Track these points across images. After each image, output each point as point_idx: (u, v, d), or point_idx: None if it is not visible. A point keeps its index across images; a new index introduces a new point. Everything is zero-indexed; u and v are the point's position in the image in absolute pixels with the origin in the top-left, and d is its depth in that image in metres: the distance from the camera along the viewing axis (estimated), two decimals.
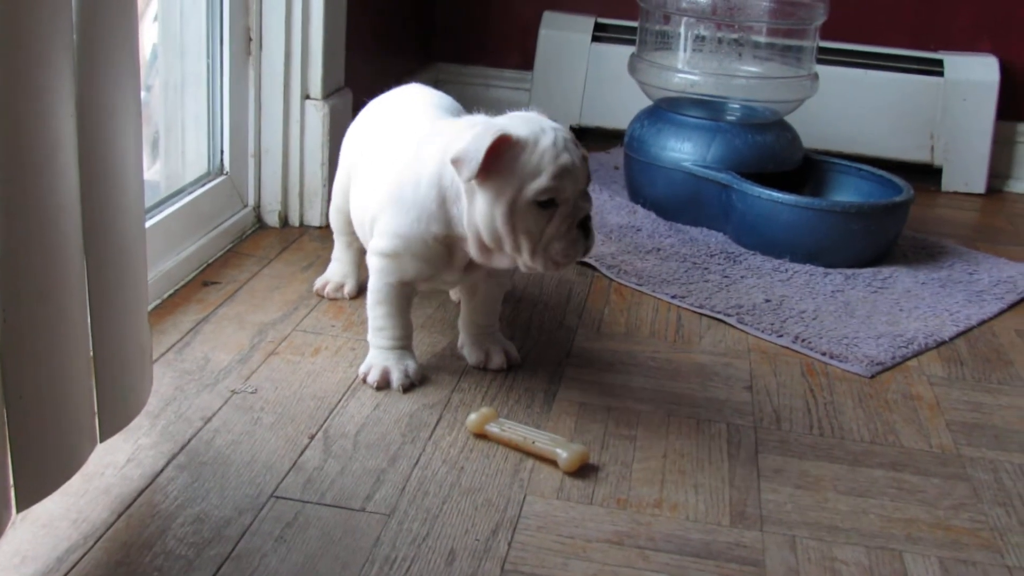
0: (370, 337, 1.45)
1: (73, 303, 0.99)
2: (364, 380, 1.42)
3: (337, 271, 1.67)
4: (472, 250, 1.35)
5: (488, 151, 1.26)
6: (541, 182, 1.29)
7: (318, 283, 1.67)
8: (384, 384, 1.41)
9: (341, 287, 1.66)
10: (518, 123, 1.33)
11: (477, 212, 1.31)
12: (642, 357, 1.55)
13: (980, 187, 2.54)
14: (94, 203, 1.01)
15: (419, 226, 1.36)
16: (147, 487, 1.15)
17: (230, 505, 1.13)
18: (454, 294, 1.66)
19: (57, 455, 0.99)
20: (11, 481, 0.93)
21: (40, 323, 0.94)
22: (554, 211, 1.30)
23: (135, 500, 1.13)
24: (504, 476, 1.23)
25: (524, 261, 1.32)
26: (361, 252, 1.60)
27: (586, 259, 1.68)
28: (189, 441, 1.24)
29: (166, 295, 1.61)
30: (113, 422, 1.10)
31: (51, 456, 0.98)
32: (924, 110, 2.51)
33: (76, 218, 0.98)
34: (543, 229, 1.30)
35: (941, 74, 2.51)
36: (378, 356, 1.44)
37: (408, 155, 1.38)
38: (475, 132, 1.29)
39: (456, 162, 1.28)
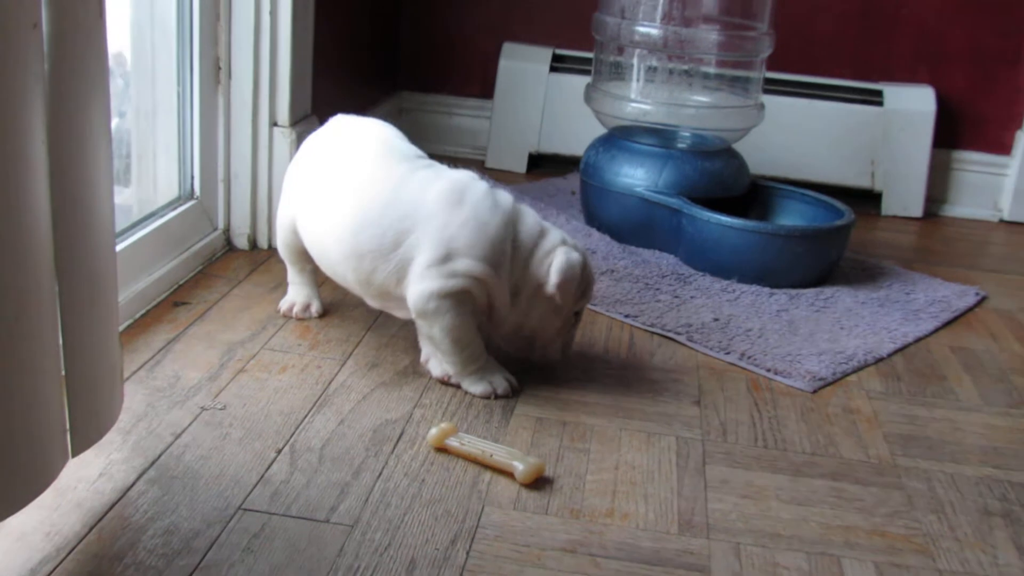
0: (460, 370, 1.46)
1: (44, 323, 0.98)
2: (495, 396, 1.45)
3: (300, 293, 1.66)
4: (501, 330, 1.49)
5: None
6: (587, 299, 1.50)
7: (283, 305, 1.66)
8: (507, 394, 1.45)
9: (308, 307, 1.66)
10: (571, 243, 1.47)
11: (535, 316, 1.46)
12: (596, 373, 1.56)
13: (918, 211, 2.57)
14: (65, 227, 1.00)
15: (498, 258, 1.41)
16: (118, 500, 1.15)
17: (199, 517, 1.13)
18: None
19: (30, 470, 0.98)
20: None
21: (12, 342, 0.93)
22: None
23: (107, 513, 1.12)
24: (463, 488, 1.23)
25: (545, 353, 1.51)
26: (316, 272, 1.61)
27: None
28: (160, 456, 1.24)
29: (138, 315, 1.60)
30: (85, 438, 1.10)
31: (23, 471, 0.97)
32: (865, 138, 2.54)
33: (48, 242, 0.98)
34: (569, 331, 1.50)
35: (881, 104, 2.54)
36: (481, 381, 1.46)
37: (475, 194, 1.42)
38: (571, 259, 1.41)
39: (563, 286, 1.41)
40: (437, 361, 1.48)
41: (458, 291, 1.39)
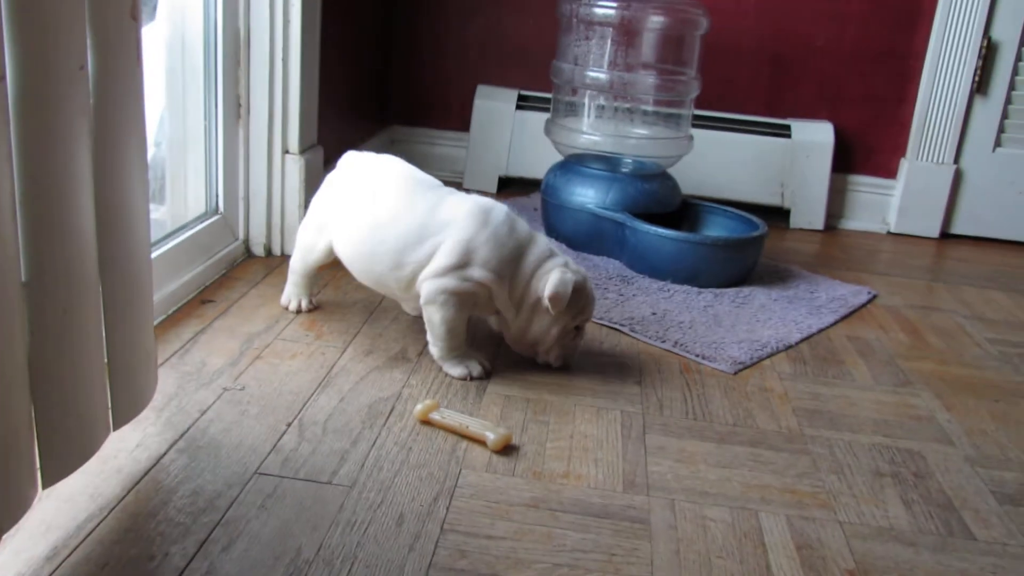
0: (445, 356, 1.45)
1: (90, 318, 0.96)
2: (471, 378, 1.44)
3: (299, 293, 1.64)
4: (509, 333, 1.49)
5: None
6: (585, 316, 1.48)
7: (290, 303, 1.64)
8: (481, 376, 1.45)
9: (302, 304, 1.64)
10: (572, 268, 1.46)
11: (535, 324, 1.45)
12: None
13: (819, 225, 2.57)
14: (107, 237, 0.99)
15: (504, 271, 1.42)
16: (152, 467, 1.13)
17: (221, 481, 1.11)
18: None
19: (77, 442, 0.97)
20: (37, 463, 0.91)
21: (62, 334, 0.92)
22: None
23: (142, 478, 1.10)
24: (444, 454, 1.22)
25: (546, 357, 1.49)
26: (314, 281, 1.63)
27: None
28: (188, 429, 1.22)
29: (171, 311, 1.58)
30: (124, 414, 1.08)
31: (71, 442, 0.96)
32: (776, 164, 2.54)
33: (92, 249, 0.96)
34: (571, 341, 1.49)
35: (789, 136, 2.54)
36: (459, 365, 1.45)
37: (490, 214, 1.43)
38: (564, 278, 1.41)
39: (554, 299, 1.40)
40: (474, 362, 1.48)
41: (466, 292, 1.40)
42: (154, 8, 1.68)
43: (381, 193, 1.47)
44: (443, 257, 1.40)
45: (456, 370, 1.45)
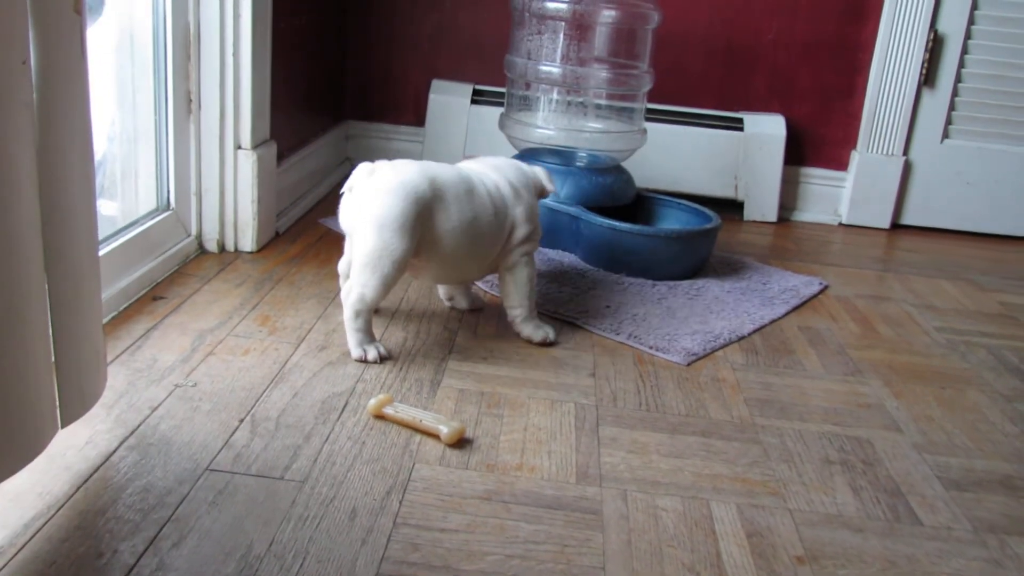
0: (530, 315, 1.60)
1: (35, 315, 0.95)
2: (548, 342, 1.59)
3: (368, 338, 1.49)
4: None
5: None
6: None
7: (358, 353, 1.47)
8: (554, 340, 1.60)
9: (379, 349, 1.49)
10: None
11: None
12: (509, 352, 1.55)
13: (772, 217, 2.59)
14: (52, 233, 0.98)
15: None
16: (102, 464, 1.11)
17: (172, 477, 1.10)
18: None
19: (24, 439, 0.95)
20: None
21: (6, 330, 0.90)
22: None
23: (92, 475, 1.09)
24: (397, 449, 1.22)
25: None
26: None
27: None
28: (138, 426, 1.21)
29: (122, 308, 1.57)
30: (72, 411, 1.07)
31: (19, 440, 0.95)
32: (729, 157, 2.56)
33: (37, 246, 0.95)
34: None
35: (742, 129, 2.56)
36: (540, 328, 1.60)
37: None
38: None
39: (550, 178, 1.69)
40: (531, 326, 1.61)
41: (535, 251, 1.61)
42: (101, 3, 1.66)
43: (453, 201, 1.49)
44: (522, 227, 1.57)
45: (539, 333, 1.59)
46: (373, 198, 1.43)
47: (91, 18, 1.61)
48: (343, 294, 1.52)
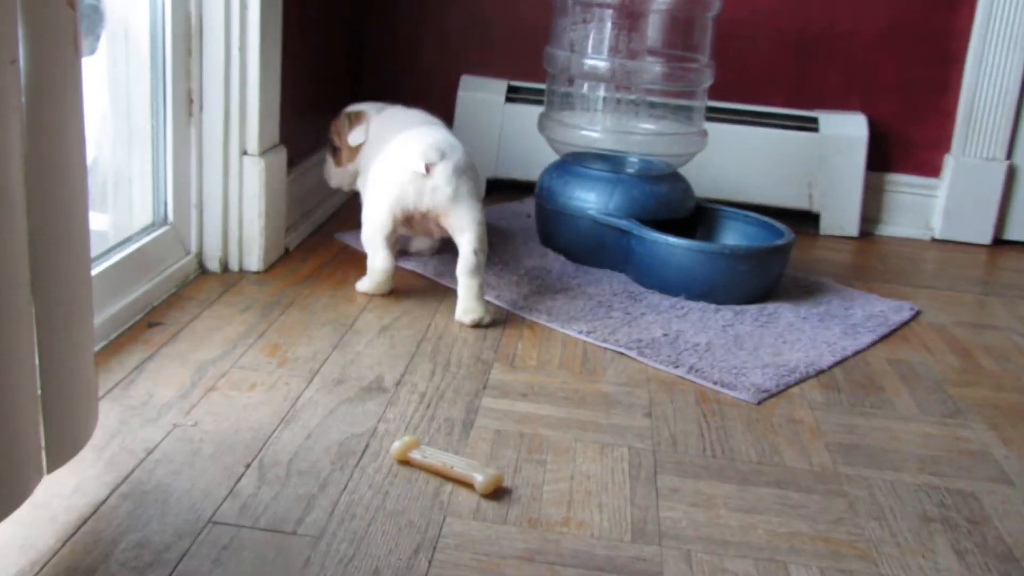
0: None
1: (21, 343, 0.96)
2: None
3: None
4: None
5: None
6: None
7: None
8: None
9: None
10: None
11: None
12: (552, 388, 1.55)
13: (854, 231, 2.58)
14: (41, 252, 0.99)
15: None
16: (92, 515, 1.12)
17: (170, 530, 1.11)
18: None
19: (4, 487, 0.96)
20: None
21: None
22: None
23: (80, 528, 1.10)
24: (425, 499, 1.22)
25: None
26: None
27: (499, 301, 1.87)
28: (132, 471, 1.22)
29: (113, 336, 1.58)
30: (59, 455, 1.08)
31: None
32: (802, 162, 2.55)
33: (24, 266, 0.96)
34: None
35: (816, 130, 2.55)
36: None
37: None
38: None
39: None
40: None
41: None
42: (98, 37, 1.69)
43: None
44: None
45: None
46: (463, 175, 1.83)
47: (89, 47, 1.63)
48: (472, 265, 1.77)
